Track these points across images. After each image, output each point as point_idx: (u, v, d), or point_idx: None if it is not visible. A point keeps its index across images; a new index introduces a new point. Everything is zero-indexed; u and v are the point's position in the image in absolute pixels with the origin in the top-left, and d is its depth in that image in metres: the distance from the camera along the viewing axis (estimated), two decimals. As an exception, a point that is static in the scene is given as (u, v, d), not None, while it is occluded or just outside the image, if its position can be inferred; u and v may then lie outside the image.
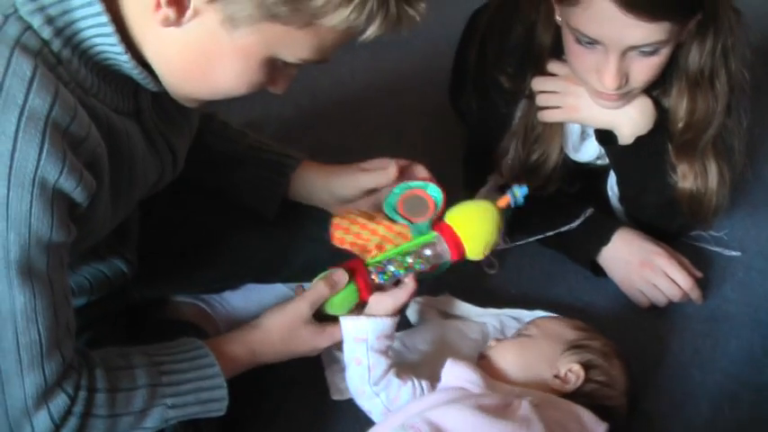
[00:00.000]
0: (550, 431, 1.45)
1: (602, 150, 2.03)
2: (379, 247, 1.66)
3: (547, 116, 1.97)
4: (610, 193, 2.11)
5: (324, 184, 1.82)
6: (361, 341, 1.62)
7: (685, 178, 1.94)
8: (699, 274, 2.01)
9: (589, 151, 2.06)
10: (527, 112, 2.01)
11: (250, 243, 1.83)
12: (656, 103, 1.91)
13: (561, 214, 2.04)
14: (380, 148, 2.49)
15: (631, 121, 1.90)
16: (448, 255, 1.67)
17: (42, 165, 1.17)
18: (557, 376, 1.62)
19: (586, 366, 1.62)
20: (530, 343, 1.70)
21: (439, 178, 2.28)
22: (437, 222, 1.69)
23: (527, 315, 1.92)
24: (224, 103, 1.37)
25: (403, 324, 1.87)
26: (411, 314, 1.93)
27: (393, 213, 1.68)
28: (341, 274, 1.62)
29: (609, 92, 1.81)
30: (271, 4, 1.18)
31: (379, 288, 1.65)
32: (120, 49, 1.26)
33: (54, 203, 1.20)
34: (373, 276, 1.65)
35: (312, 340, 1.63)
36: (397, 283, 1.66)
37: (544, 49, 1.94)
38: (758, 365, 1.91)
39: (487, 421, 1.42)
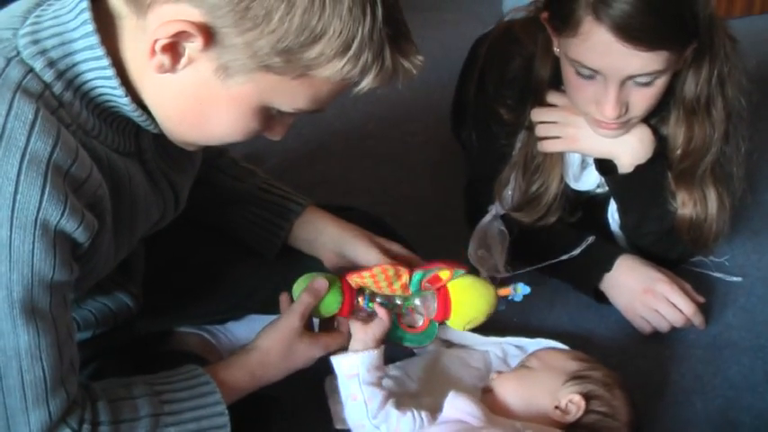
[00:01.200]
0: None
1: (603, 179, 2.04)
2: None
3: (546, 147, 1.98)
4: (610, 220, 2.12)
5: (332, 237, 1.79)
6: (353, 377, 1.63)
7: (685, 205, 1.96)
8: (701, 300, 2.01)
9: (589, 180, 2.07)
10: (527, 142, 2.02)
11: (252, 276, 1.83)
12: (654, 131, 1.93)
13: (562, 242, 2.05)
14: (383, 179, 2.53)
15: (631, 150, 1.92)
16: (433, 313, 1.70)
17: (44, 207, 1.18)
18: (557, 407, 1.62)
19: (587, 397, 1.62)
20: (530, 375, 1.70)
21: (442, 208, 2.31)
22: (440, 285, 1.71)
23: (529, 343, 1.93)
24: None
25: (405, 353, 1.89)
26: (413, 343, 1.94)
27: (416, 287, 1.68)
28: (321, 281, 1.63)
29: (609, 121, 1.82)
30: (264, 55, 1.19)
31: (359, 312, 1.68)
32: (120, 92, 1.27)
33: (56, 244, 1.22)
34: (359, 297, 1.67)
35: (308, 351, 1.62)
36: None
37: (543, 80, 1.96)
38: (760, 391, 1.91)
39: None
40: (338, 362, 1.65)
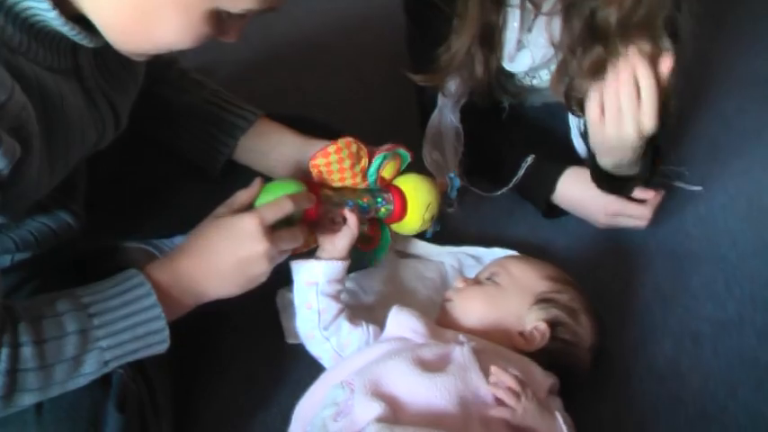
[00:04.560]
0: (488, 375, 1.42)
1: (535, 62, 1.98)
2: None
3: None
4: (574, 130, 2.08)
5: (295, 145, 1.75)
6: (312, 285, 1.60)
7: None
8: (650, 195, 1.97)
9: (524, 61, 2.00)
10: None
11: (199, 191, 1.78)
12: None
13: (508, 161, 2.01)
14: (338, 90, 2.50)
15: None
16: (390, 212, 1.70)
17: None
18: (521, 334, 1.59)
19: (552, 324, 1.59)
20: (498, 294, 1.64)
21: (397, 118, 2.27)
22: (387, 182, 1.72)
23: (485, 253, 1.91)
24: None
25: (361, 265, 1.85)
26: (367, 254, 1.91)
27: (374, 175, 1.68)
28: (286, 202, 1.51)
29: None
30: None
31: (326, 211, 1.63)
32: (46, 5, 1.20)
33: None
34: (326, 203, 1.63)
35: (248, 244, 1.46)
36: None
37: None
38: (720, 301, 1.90)
39: (422, 379, 1.38)
40: (298, 267, 1.61)
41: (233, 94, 1.84)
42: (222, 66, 2.45)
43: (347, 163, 1.63)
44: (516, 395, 1.39)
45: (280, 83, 2.53)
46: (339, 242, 1.61)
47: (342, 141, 1.62)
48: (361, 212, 1.66)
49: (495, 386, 1.39)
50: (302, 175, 1.69)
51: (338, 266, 1.61)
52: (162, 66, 1.76)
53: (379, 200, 1.69)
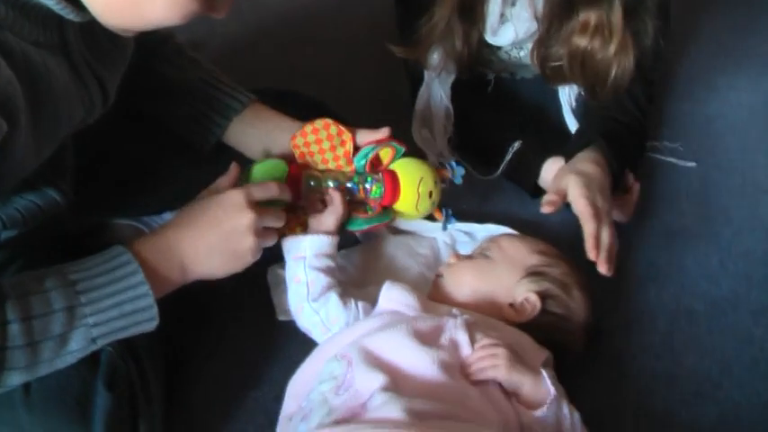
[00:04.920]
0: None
1: (518, 36, 1.97)
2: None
3: None
4: (565, 106, 2.09)
5: (267, 129, 1.74)
6: (300, 259, 1.60)
7: (584, 31, 1.87)
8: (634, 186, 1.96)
9: (507, 35, 1.99)
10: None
11: (188, 168, 1.76)
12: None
13: (493, 151, 2.00)
14: (327, 64, 2.49)
15: None
16: (383, 192, 1.66)
17: None
18: (512, 305, 1.59)
19: (543, 296, 1.58)
20: (489, 267, 1.65)
21: (389, 93, 2.25)
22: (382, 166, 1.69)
23: (479, 229, 1.89)
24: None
25: (352, 241, 1.86)
26: (359, 230, 1.90)
27: (361, 162, 1.66)
28: (234, 167, 1.57)
29: None
30: None
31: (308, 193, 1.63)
32: None
33: None
34: (311, 181, 1.64)
35: (233, 215, 1.46)
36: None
37: None
38: (714, 279, 1.89)
39: (419, 351, 1.38)
40: (288, 245, 1.62)
41: (223, 68, 1.83)
42: (212, 39, 2.44)
43: (326, 144, 1.63)
44: (493, 355, 1.40)
45: (268, 57, 2.51)
46: (325, 219, 1.62)
47: (319, 122, 1.62)
48: (350, 192, 1.65)
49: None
50: (289, 158, 1.68)
51: (325, 240, 1.61)
52: (157, 41, 1.75)
53: (369, 179, 1.67)
